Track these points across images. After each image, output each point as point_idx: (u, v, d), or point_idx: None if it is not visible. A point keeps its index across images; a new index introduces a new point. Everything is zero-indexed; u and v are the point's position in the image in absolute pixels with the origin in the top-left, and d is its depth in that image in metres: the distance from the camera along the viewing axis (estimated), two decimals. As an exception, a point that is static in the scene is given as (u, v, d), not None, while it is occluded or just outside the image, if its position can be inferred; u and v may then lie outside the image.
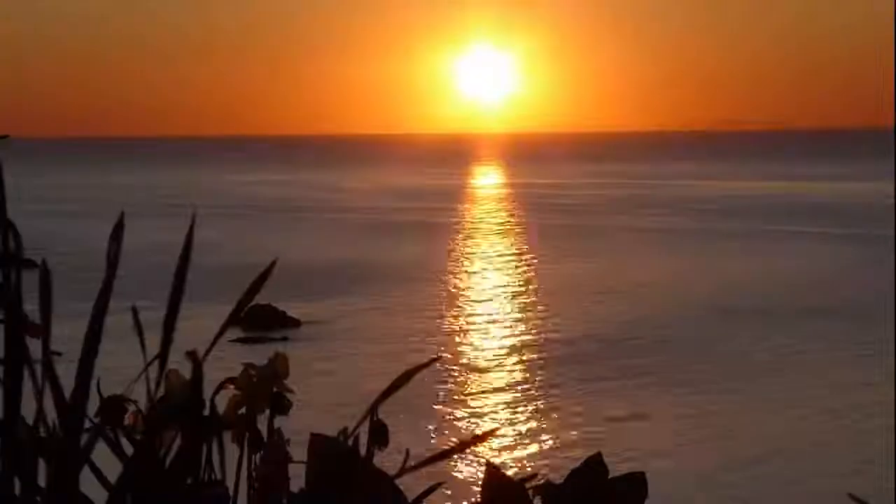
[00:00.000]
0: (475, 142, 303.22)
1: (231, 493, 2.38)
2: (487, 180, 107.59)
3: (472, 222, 58.02)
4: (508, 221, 59.36)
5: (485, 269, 39.36)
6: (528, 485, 2.60)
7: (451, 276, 36.82)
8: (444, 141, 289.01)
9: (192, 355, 2.18)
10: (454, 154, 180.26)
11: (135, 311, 2.30)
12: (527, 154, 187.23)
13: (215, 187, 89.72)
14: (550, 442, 18.10)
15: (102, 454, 2.19)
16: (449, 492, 13.22)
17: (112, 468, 2.19)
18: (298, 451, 2.50)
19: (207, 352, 2.21)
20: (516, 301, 31.92)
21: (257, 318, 26.23)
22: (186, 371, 2.25)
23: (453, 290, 33.54)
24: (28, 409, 2.11)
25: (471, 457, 15.00)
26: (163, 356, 2.19)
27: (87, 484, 2.17)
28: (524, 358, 24.35)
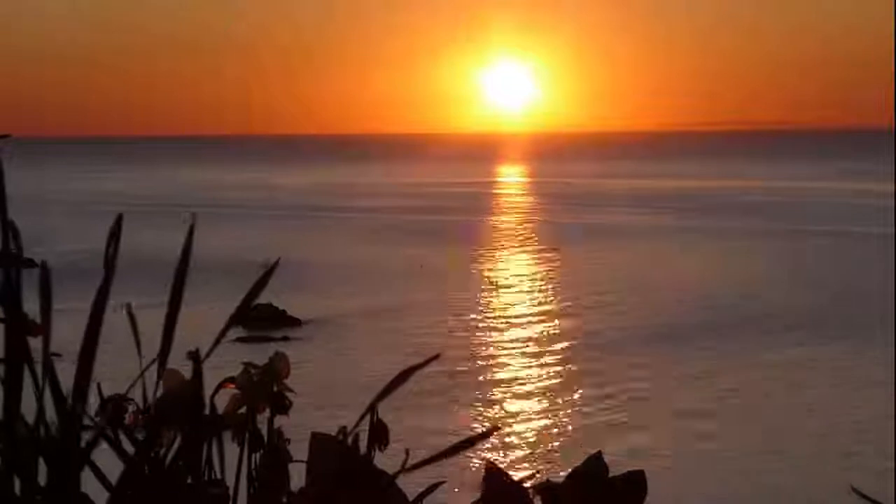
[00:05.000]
0: (498, 142, 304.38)
1: (231, 492, 2.38)
2: (504, 178, 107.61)
3: (478, 221, 58.01)
4: (518, 219, 59.41)
5: (486, 268, 39.36)
6: (527, 484, 2.60)
7: (451, 275, 36.81)
8: (470, 141, 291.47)
9: (193, 355, 2.18)
10: (476, 153, 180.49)
11: (129, 310, 2.29)
12: (546, 153, 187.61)
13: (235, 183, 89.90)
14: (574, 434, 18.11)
15: (103, 454, 2.19)
16: (449, 490, 13.24)
17: (112, 468, 2.19)
18: (299, 451, 2.50)
19: (210, 351, 2.21)
20: (517, 300, 31.93)
21: (258, 318, 26.23)
22: (186, 370, 2.24)
23: (453, 290, 33.53)
24: (28, 409, 2.11)
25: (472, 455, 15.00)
26: (162, 356, 2.18)
27: (88, 484, 2.17)
28: (521, 356, 24.38)
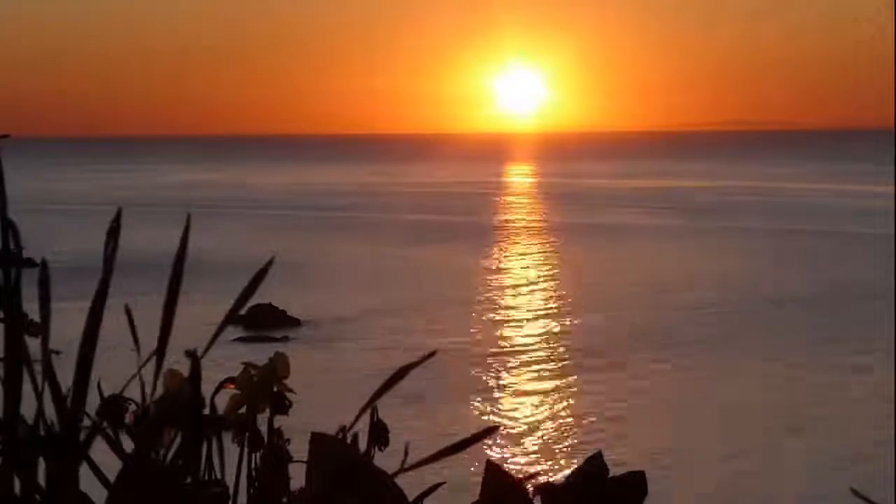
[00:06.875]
0: (509, 142, 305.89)
1: (231, 492, 2.38)
2: (510, 178, 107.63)
3: (481, 221, 58.00)
4: (522, 219, 59.44)
5: (483, 266, 39.35)
6: (528, 484, 2.60)
7: (449, 273, 36.81)
8: (480, 141, 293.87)
9: (191, 354, 2.18)
10: (485, 153, 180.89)
11: (128, 311, 2.29)
12: (555, 153, 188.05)
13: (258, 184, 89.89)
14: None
15: (103, 454, 2.19)
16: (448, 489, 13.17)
17: (112, 467, 2.19)
18: (299, 451, 2.50)
19: (206, 349, 2.20)
20: (514, 299, 31.95)
21: (257, 318, 26.23)
22: (185, 369, 2.24)
23: (450, 288, 33.53)
24: (28, 408, 2.11)
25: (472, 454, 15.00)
26: (160, 355, 2.18)
27: (88, 483, 2.17)
28: (513, 353, 24.39)
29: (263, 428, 2.49)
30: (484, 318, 29.04)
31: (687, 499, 15.30)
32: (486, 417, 19.46)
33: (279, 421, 2.51)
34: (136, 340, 2.23)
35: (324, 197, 77.53)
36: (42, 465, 2.10)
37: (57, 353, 2.14)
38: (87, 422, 2.15)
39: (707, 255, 41.54)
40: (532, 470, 15.99)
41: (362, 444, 2.47)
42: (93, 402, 2.21)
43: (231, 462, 2.39)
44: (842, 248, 43.27)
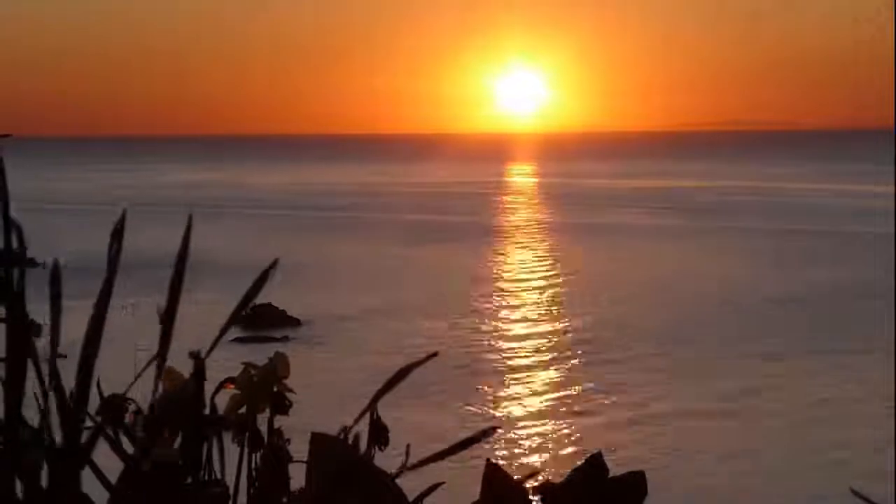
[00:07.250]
0: (509, 142, 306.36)
1: (231, 492, 2.38)
2: (510, 178, 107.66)
3: (482, 220, 57.99)
4: (521, 219, 59.46)
5: (483, 266, 39.35)
6: (528, 484, 2.61)
7: (449, 273, 36.80)
8: (481, 141, 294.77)
9: (195, 356, 2.18)
10: (486, 153, 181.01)
11: (159, 311, 2.29)
12: (555, 153, 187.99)
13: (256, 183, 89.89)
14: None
15: (103, 454, 2.19)
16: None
17: (113, 468, 2.19)
18: (299, 451, 2.50)
19: (209, 351, 2.21)
20: (515, 299, 31.96)
21: (257, 318, 26.21)
22: (185, 369, 2.25)
23: (451, 289, 33.53)
24: (28, 409, 2.11)
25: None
26: (162, 355, 2.18)
27: (88, 484, 2.17)
28: (511, 352, 24.41)
29: (263, 428, 2.50)
30: (484, 317, 29.04)
31: (687, 499, 15.31)
32: (485, 416, 19.46)
33: (279, 421, 2.51)
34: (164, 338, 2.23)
35: (324, 197, 77.49)
36: (43, 465, 2.10)
37: (63, 356, 2.14)
38: (88, 422, 2.16)
39: (707, 255, 41.56)
40: (532, 470, 16.00)
41: (363, 445, 2.48)
42: (92, 402, 2.21)
43: (231, 462, 2.40)
44: (842, 248, 43.27)
